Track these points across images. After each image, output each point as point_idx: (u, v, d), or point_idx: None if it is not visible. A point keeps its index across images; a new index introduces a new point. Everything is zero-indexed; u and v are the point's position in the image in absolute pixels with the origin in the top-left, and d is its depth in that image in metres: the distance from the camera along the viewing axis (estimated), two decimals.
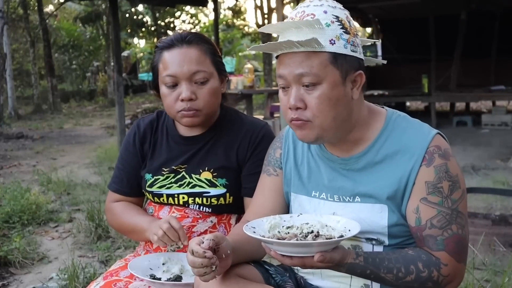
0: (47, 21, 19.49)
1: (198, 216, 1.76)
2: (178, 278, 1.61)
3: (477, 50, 10.91)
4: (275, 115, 8.88)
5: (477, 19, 10.50)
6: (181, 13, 23.98)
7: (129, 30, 22.50)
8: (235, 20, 25.40)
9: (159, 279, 1.61)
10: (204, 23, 26.41)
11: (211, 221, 1.76)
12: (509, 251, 3.19)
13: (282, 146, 1.62)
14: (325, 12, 1.35)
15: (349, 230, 1.33)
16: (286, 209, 1.61)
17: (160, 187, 1.79)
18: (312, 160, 1.54)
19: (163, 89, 1.73)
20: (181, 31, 1.75)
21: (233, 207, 1.78)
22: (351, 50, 1.36)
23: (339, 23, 1.35)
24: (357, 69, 1.38)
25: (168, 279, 1.60)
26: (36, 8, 19.21)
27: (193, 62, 1.67)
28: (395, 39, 11.52)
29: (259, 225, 1.38)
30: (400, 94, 10.57)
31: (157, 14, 21.56)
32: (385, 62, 1.56)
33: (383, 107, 1.52)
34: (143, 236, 1.73)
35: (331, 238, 1.27)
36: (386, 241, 1.42)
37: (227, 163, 1.76)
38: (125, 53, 21.73)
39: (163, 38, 1.76)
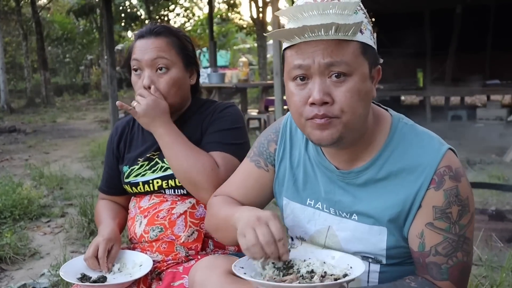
0: (40, 14, 19.33)
1: (176, 199, 1.79)
2: (102, 278, 1.63)
3: (472, 44, 10.89)
4: (270, 109, 8.84)
5: (472, 13, 10.48)
6: (175, 7, 23.84)
7: (123, 24, 22.35)
8: (230, 14, 25.27)
9: (90, 278, 1.63)
10: (199, 16, 26.27)
11: (190, 202, 1.77)
12: (506, 246, 3.16)
13: (278, 140, 1.48)
14: None
15: (351, 268, 1.24)
16: (266, 202, 1.53)
17: (136, 175, 1.83)
18: (308, 164, 1.41)
19: (132, 75, 1.81)
20: (156, 23, 1.82)
21: None
22: (373, 42, 1.24)
23: (363, 11, 1.22)
24: (376, 63, 1.27)
25: (93, 281, 1.62)
26: (28, 1, 19.03)
27: (155, 50, 1.73)
28: (390, 33, 11.47)
29: (249, 264, 1.26)
30: (395, 88, 10.54)
31: (151, 8, 21.41)
32: (381, 61, 1.36)
33: (386, 110, 1.38)
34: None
35: (338, 279, 1.18)
36: (384, 260, 1.32)
37: (195, 141, 1.78)
38: (119, 47, 21.57)
39: (141, 28, 1.84)
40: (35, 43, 19.19)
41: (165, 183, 1.77)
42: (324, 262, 1.28)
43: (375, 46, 1.26)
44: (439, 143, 1.27)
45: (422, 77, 10.56)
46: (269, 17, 18.16)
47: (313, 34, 1.16)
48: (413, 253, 1.27)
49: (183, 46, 1.79)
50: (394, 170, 1.27)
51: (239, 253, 1.59)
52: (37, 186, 5.65)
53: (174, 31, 1.79)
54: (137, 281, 1.65)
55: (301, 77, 1.21)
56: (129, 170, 1.84)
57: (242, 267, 1.25)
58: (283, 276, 1.22)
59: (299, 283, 1.17)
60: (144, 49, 1.73)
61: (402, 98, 13.05)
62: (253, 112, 9.31)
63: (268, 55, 20.63)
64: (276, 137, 1.49)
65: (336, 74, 1.18)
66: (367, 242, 1.30)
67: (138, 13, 22.12)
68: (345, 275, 1.20)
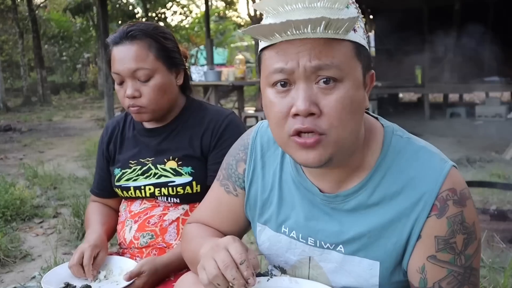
0: (36, 12, 19.22)
1: (169, 205, 1.73)
2: (86, 287, 1.56)
3: (470, 41, 10.82)
4: None
5: (471, 10, 10.41)
6: (172, 4, 23.72)
7: (120, 22, 22.25)
8: (227, 11, 25.18)
9: (74, 287, 1.55)
10: (196, 14, 26.16)
11: (183, 208, 1.72)
12: (508, 247, 3.09)
13: (247, 159, 1.28)
14: None
15: None
16: (246, 228, 1.37)
17: (127, 180, 1.76)
18: (286, 185, 1.21)
19: (115, 85, 1.73)
20: (131, 24, 1.71)
21: (202, 196, 1.71)
22: (366, 43, 1.06)
23: (355, 6, 1.04)
24: (370, 67, 1.07)
25: None
26: None
27: (133, 60, 1.64)
28: (388, 30, 11.41)
29: None
30: (393, 86, 10.49)
31: (148, 5, 21.30)
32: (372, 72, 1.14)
33: (377, 118, 1.18)
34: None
35: None
36: None
37: (191, 152, 1.73)
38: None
39: (114, 31, 1.74)
40: (32, 41, 19.07)
41: (158, 190, 1.71)
42: None
43: (368, 48, 1.07)
44: (440, 160, 1.09)
45: (421, 74, 10.51)
46: None
47: (297, 32, 0.97)
48: None
49: (161, 47, 1.68)
50: (389, 194, 1.09)
51: None
52: (30, 186, 5.56)
53: (149, 32, 1.68)
54: None
55: (282, 83, 1.02)
56: (121, 173, 1.78)
57: None
58: None
59: None
60: (122, 60, 1.64)
61: (400, 95, 13.00)
62: (250, 110, 9.23)
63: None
64: (245, 155, 1.29)
65: (325, 80, 0.98)
66: (357, 275, 1.13)
67: (135, 10, 21.99)
68: None
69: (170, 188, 1.69)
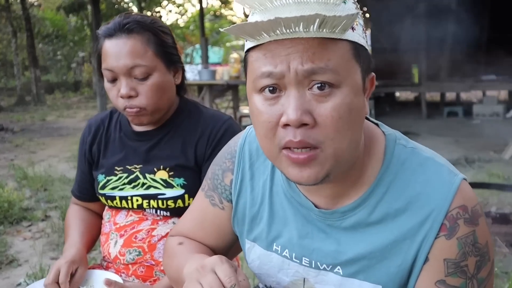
0: (30, 10, 19.06)
1: (158, 218, 1.57)
2: None
3: (467, 39, 10.75)
4: None
5: (467, 8, 10.33)
6: (168, 3, 23.60)
7: None
8: (222, 10, 25.07)
9: None
10: (192, 12, 26.04)
11: (173, 223, 1.56)
12: (511, 251, 2.98)
13: (234, 169, 1.16)
14: None
15: None
16: (234, 242, 1.25)
17: (113, 188, 1.60)
18: (277, 199, 1.09)
19: (105, 83, 1.54)
20: (126, 14, 1.53)
21: None
22: (366, 42, 0.94)
23: (353, 1, 0.92)
24: (370, 70, 0.96)
25: None
26: None
27: (130, 56, 1.46)
28: (385, 28, 11.32)
29: None
30: (390, 84, 10.40)
31: (143, 4, 21.17)
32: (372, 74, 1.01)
33: (377, 125, 1.06)
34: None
35: None
36: None
37: (184, 161, 1.56)
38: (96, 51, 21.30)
39: (106, 23, 1.54)
40: (26, 40, 18.91)
41: (146, 202, 1.55)
42: None
43: (368, 47, 0.95)
44: (449, 173, 0.96)
45: (417, 73, 10.44)
46: None
47: (288, 30, 0.84)
48: None
49: (161, 42, 1.51)
50: (392, 211, 0.97)
51: None
52: (18, 188, 5.44)
53: (148, 24, 1.50)
54: None
55: (271, 88, 0.89)
56: (105, 180, 1.61)
57: None
58: None
59: None
60: (117, 55, 1.45)
61: (397, 94, 12.92)
62: (245, 109, 9.12)
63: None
64: (232, 165, 1.16)
65: (319, 85, 0.86)
66: None
67: (130, 9, 21.86)
68: None
69: (159, 201, 1.54)
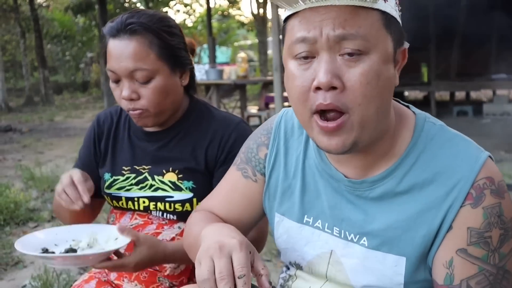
0: (38, 11, 19.14)
1: (163, 222, 1.52)
2: (70, 251, 1.34)
3: (477, 38, 10.67)
4: (270, 106, 8.61)
5: (477, 6, 10.24)
6: (176, 3, 23.63)
7: None
8: (230, 10, 25.07)
9: (53, 253, 1.34)
10: (200, 12, 26.06)
11: (179, 227, 1.51)
12: None
13: (270, 144, 1.20)
14: None
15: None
16: (260, 218, 1.27)
17: (119, 188, 1.56)
18: (309, 172, 1.13)
19: (110, 82, 1.51)
20: (131, 13, 1.47)
21: None
22: (399, 15, 0.97)
23: None
24: (402, 42, 0.99)
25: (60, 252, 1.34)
26: None
27: (132, 59, 1.41)
28: None
29: None
30: (399, 83, 10.31)
31: (150, 4, 21.20)
32: (406, 44, 1.06)
33: (408, 107, 1.09)
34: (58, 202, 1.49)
35: None
36: None
37: (194, 164, 1.52)
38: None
39: (111, 21, 1.49)
40: (34, 41, 19.00)
41: (153, 204, 1.51)
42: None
43: (400, 21, 0.98)
44: (477, 149, 1.00)
45: (427, 72, 10.37)
46: (269, 13, 18.03)
47: None
48: (437, 287, 0.99)
49: (165, 45, 1.46)
50: (419, 182, 0.99)
51: None
52: (24, 189, 5.43)
53: (152, 27, 1.44)
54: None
55: (305, 55, 0.94)
56: (111, 179, 1.57)
57: None
58: None
59: None
60: (119, 57, 1.42)
61: (406, 93, 12.82)
62: (253, 109, 9.09)
63: (269, 51, 20.41)
64: (267, 140, 1.21)
65: (350, 51, 0.91)
66: (380, 274, 1.02)
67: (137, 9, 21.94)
68: None
69: (167, 204, 1.50)
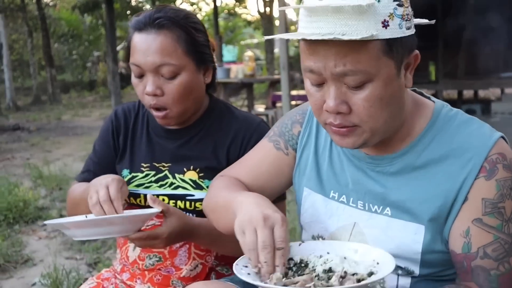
0: (45, 10, 19.20)
1: None
2: None
3: (486, 36, 10.60)
4: (277, 104, 8.61)
5: (486, 4, 10.18)
6: (182, 2, 23.63)
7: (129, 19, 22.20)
8: (237, 9, 25.04)
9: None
10: (206, 11, 26.06)
11: None
12: None
13: (304, 123, 1.29)
14: None
15: (378, 264, 1.03)
16: (281, 192, 1.36)
17: (138, 185, 1.54)
18: (335, 152, 1.23)
19: (132, 77, 1.49)
20: (158, 8, 1.46)
21: None
22: (407, 28, 1.01)
23: None
24: (412, 50, 1.05)
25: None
26: None
27: (159, 53, 1.40)
28: None
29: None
30: None
31: (157, 2, 21.22)
32: (433, 22, 1.18)
33: (429, 98, 1.18)
34: (85, 198, 1.39)
35: (362, 279, 0.97)
36: (417, 270, 1.11)
37: (215, 163, 1.51)
38: (126, 42, 21.42)
39: (138, 14, 1.48)
40: (41, 40, 19.05)
41: (173, 203, 1.49)
42: (345, 258, 1.07)
43: (410, 30, 1.02)
44: (491, 129, 1.09)
45: (434, 70, 10.32)
46: (276, 12, 18.00)
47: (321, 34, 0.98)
48: (456, 257, 1.07)
49: (192, 41, 1.44)
50: (436, 157, 1.09)
51: (235, 277, 1.34)
52: (33, 187, 5.45)
53: (180, 21, 1.43)
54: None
55: (315, 83, 1.05)
56: (130, 176, 1.55)
57: (246, 266, 1.04)
58: (294, 277, 1.01)
59: (314, 285, 0.96)
60: (145, 51, 1.40)
61: None
62: (260, 108, 9.08)
63: (275, 50, 20.38)
64: (302, 119, 1.31)
65: (352, 85, 1.00)
66: (400, 242, 1.10)
67: (144, 8, 21.95)
68: (370, 274, 1.00)
69: (187, 202, 1.48)
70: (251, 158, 1.35)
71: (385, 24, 0.97)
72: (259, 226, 1.01)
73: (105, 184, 1.33)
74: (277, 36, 1.07)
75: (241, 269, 1.03)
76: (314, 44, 0.99)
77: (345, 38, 0.93)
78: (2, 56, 15.46)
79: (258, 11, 20.75)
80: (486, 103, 10.17)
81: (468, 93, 12.35)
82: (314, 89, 1.05)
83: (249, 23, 24.17)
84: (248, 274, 1.01)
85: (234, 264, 1.05)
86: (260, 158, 1.33)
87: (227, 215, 1.15)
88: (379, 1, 0.96)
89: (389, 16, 0.97)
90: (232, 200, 1.14)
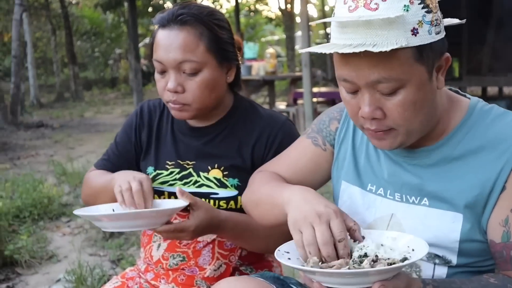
0: (68, 9, 19.41)
1: None
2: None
3: (510, 32, 10.41)
4: (299, 101, 8.57)
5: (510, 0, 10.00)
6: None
7: (151, 17, 22.32)
8: (258, 5, 25.01)
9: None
10: (226, 8, 26.08)
11: None
12: None
13: (341, 119, 1.33)
14: None
15: (413, 250, 1.05)
16: (318, 186, 1.38)
17: (162, 183, 1.54)
18: (371, 146, 1.26)
19: (155, 73, 1.49)
20: (182, 4, 1.46)
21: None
22: (436, 33, 1.03)
23: (419, 2, 1.01)
24: (443, 53, 1.07)
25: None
26: None
27: (181, 50, 1.40)
28: None
29: (293, 248, 1.10)
30: None
31: (178, 1, 21.33)
32: (463, 21, 1.19)
33: (465, 95, 1.21)
34: (111, 187, 1.42)
35: (393, 263, 0.99)
36: (454, 260, 1.12)
37: (240, 162, 1.50)
38: (147, 40, 21.56)
39: (163, 11, 1.48)
40: (65, 38, 19.27)
41: None
42: (382, 245, 1.10)
43: (439, 34, 1.05)
44: None
45: (458, 67, 10.18)
46: (297, 9, 17.92)
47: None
48: (494, 246, 1.09)
49: (215, 38, 1.44)
50: (473, 148, 1.11)
51: (264, 273, 1.34)
52: (58, 184, 5.51)
53: (203, 18, 1.43)
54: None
55: (350, 91, 1.09)
56: (155, 173, 1.55)
57: (288, 252, 1.10)
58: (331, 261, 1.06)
59: (348, 268, 1.01)
60: (167, 47, 1.41)
61: None
62: (281, 105, 9.06)
63: (296, 47, 20.31)
64: (339, 116, 1.34)
65: (385, 92, 1.04)
66: (438, 230, 1.12)
67: (165, 5, 22.04)
68: (404, 259, 1.02)
69: (211, 201, 1.48)
70: (289, 154, 1.38)
71: (414, 32, 0.99)
72: (316, 223, 1.05)
73: (138, 179, 1.37)
74: (311, 49, 1.08)
75: (283, 254, 1.08)
76: (346, 55, 1.02)
77: (375, 50, 0.95)
78: (26, 54, 15.63)
79: (279, 8, 20.69)
80: (511, 100, 10.00)
81: (492, 90, 12.15)
82: (349, 96, 1.09)
83: (270, 20, 24.12)
84: (289, 259, 1.07)
85: (276, 250, 1.09)
86: (298, 154, 1.36)
87: (273, 211, 1.20)
88: (407, 10, 0.99)
89: (418, 23, 1.00)
90: (278, 196, 1.18)
